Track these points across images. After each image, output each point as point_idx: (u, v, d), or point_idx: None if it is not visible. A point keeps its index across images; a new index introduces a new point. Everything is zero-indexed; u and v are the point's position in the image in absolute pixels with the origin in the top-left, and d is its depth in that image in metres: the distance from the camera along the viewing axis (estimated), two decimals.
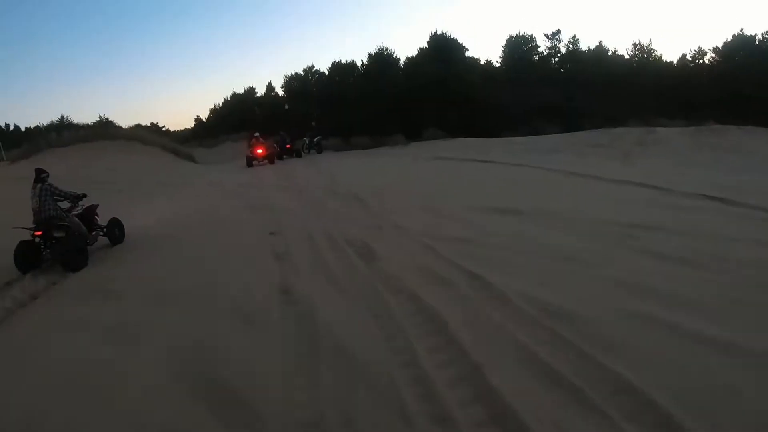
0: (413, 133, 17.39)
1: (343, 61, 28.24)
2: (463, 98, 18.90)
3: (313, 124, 20.33)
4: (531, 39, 26.21)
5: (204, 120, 39.80)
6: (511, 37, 26.34)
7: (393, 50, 24.84)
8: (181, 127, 46.47)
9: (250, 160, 15.98)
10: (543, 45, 26.08)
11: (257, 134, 17.12)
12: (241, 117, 31.82)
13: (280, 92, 32.23)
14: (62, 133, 18.97)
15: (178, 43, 77.14)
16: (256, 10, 76.16)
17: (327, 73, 28.85)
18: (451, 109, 18.39)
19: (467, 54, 24.84)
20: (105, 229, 6.55)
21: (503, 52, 26.64)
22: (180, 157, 20.14)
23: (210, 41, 78.39)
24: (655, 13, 48.18)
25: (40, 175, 5.87)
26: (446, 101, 18.35)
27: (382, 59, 24.63)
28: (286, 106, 28.15)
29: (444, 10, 67.04)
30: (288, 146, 17.92)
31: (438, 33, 24.68)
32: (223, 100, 37.75)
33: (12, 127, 31.62)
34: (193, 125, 41.57)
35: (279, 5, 75.95)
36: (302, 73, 30.93)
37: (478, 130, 18.13)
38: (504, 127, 19.73)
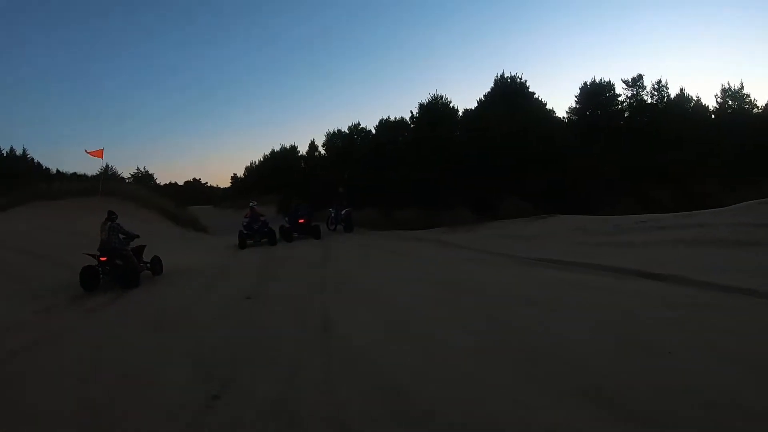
0: (483, 206, 12.21)
1: (392, 118, 24.82)
2: (548, 156, 13.83)
3: (341, 190, 14.53)
4: (610, 86, 21.24)
5: (240, 178, 37.49)
6: (586, 84, 21.53)
7: (449, 99, 20.73)
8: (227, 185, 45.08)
9: (243, 240, 11.83)
10: (623, 93, 21.02)
11: (253, 203, 13.08)
12: (277, 177, 29.00)
13: (322, 150, 29.21)
14: (53, 183, 16.12)
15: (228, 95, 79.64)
16: (313, 69, 77.86)
17: (374, 131, 25.46)
18: (532, 170, 13.22)
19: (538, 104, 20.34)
20: (149, 264, 8.75)
21: (577, 101, 21.79)
22: (179, 225, 16.42)
23: (262, 94, 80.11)
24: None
25: (111, 216, 8.17)
26: (526, 160, 13.30)
27: (436, 109, 20.42)
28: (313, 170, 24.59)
29: (503, 55, 62.74)
30: (301, 221, 12.85)
31: (505, 76, 20.49)
32: (261, 157, 35.40)
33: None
34: (230, 183, 39.37)
35: (331, 65, 77.32)
36: (347, 131, 28.00)
37: (573, 201, 12.94)
38: (601, 196, 14.41)
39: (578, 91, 21.53)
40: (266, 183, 29.64)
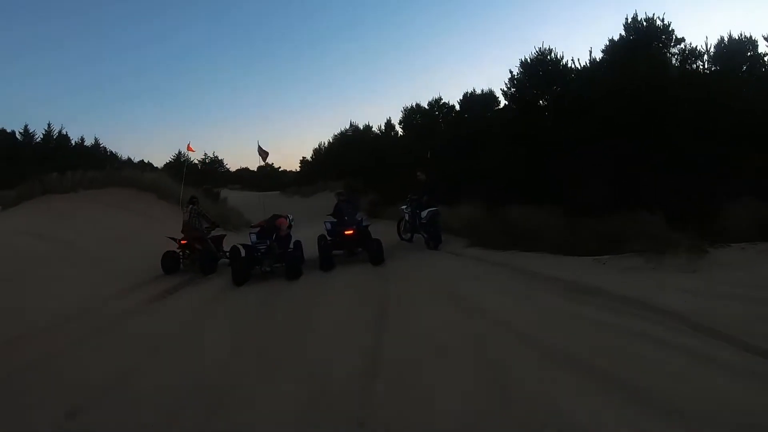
0: (690, 212, 5.52)
1: (478, 92, 20.30)
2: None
3: (420, 176, 9.42)
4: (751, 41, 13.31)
5: (309, 161, 34.40)
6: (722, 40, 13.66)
7: (560, 53, 14.47)
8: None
9: (243, 270, 6.89)
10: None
11: (289, 216, 8.24)
12: (348, 159, 25.09)
13: (400, 130, 24.78)
14: (65, 174, 13.60)
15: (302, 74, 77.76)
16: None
17: (458, 107, 20.79)
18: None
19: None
20: (228, 253, 8.53)
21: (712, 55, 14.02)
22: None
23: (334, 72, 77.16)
24: None
25: (192, 199, 8.69)
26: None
27: (544, 65, 14.41)
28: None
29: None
30: (349, 232, 7.83)
31: (638, 18, 13.36)
32: (331, 138, 31.77)
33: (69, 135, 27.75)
34: (299, 167, 36.46)
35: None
36: (426, 107, 23.25)
37: None
38: None
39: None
40: (334, 166, 25.88)
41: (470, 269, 6.39)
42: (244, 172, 41.69)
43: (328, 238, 8.04)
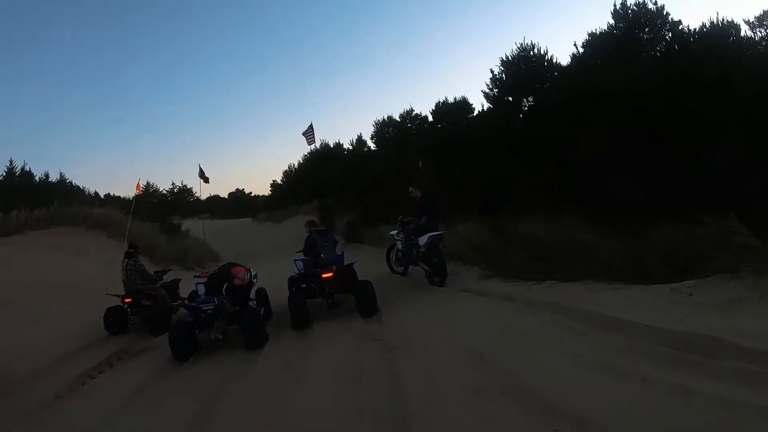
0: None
1: (450, 100, 19.75)
2: None
3: (414, 191, 7.16)
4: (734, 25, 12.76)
5: (279, 184, 32.64)
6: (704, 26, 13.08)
7: (543, 48, 13.41)
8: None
9: (182, 344, 4.90)
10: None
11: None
12: (320, 178, 23.46)
13: (372, 145, 23.57)
14: (11, 214, 11.51)
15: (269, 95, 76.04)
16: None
17: (430, 117, 20.00)
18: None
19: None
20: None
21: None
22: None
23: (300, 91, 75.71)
24: None
25: (129, 252, 7.19)
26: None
27: (528, 61, 13.34)
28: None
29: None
30: (327, 275, 5.85)
31: (628, 3, 12.42)
32: (301, 158, 30.15)
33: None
34: (269, 191, 34.55)
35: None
36: (398, 119, 22.32)
37: None
38: None
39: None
40: (306, 187, 24.19)
41: (506, 320, 4.43)
42: (215, 199, 39.68)
43: (301, 283, 6.20)
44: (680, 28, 10.13)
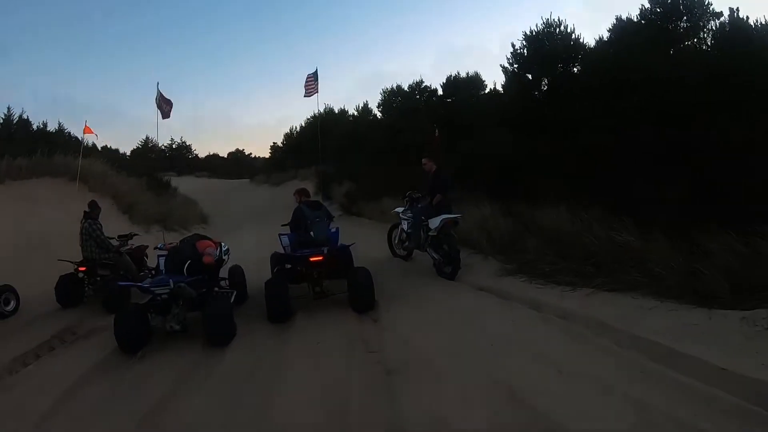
0: None
1: (463, 75, 18.87)
2: None
3: (428, 164, 6.27)
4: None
5: (280, 147, 31.69)
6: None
7: (569, 25, 12.39)
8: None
9: (131, 335, 4.15)
10: None
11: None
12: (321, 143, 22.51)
13: (378, 113, 22.60)
14: None
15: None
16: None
17: (440, 90, 18.91)
18: None
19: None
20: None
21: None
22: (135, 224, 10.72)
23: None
24: None
25: (86, 212, 6.15)
26: None
27: (552, 38, 12.34)
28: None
29: None
30: (316, 258, 4.83)
31: None
32: (304, 121, 29.07)
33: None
34: (269, 154, 33.54)
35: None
36: (407, 90, 21.10)
37: None
38: None
39: None
40: (306, 152, 23.26)
41: (539, 340, 3.54)
42: (213, 158, 38.68)
43: (286, 264, 5.25)
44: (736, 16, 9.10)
